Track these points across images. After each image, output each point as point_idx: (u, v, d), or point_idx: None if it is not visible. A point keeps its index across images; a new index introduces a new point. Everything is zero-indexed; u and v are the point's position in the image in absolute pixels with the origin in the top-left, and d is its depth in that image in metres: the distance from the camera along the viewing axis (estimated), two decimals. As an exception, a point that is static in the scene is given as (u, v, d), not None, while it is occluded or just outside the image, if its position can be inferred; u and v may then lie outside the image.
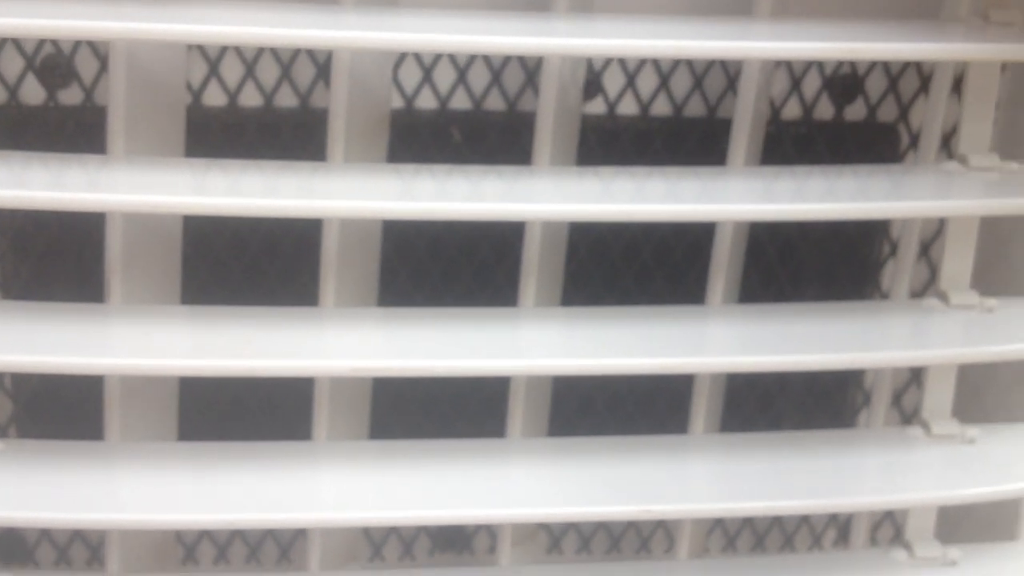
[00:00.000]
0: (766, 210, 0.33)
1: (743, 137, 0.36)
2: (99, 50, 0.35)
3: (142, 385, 0.36)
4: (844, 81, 0.39)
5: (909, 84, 0.39)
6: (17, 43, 0.35)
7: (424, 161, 0.35)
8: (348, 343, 0.33)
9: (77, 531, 0.41)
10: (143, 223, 0.34)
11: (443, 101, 0.38)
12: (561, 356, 0.33)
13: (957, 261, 0.34)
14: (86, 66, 0.36)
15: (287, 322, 0.33)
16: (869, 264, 0.41)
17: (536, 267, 0.35)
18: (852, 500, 0.33)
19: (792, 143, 0.39)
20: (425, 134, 0.38)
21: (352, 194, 0.32)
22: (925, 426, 0.35)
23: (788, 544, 0.45)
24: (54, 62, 0.35)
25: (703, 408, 0.36)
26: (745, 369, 0.33)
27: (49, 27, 0.29)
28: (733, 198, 0.34)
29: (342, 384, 0.36)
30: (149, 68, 0.34)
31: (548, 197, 0.33)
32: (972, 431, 0.35)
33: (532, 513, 0.34)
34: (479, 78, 0.38)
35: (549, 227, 0.36)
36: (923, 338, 0.33)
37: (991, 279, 0.39)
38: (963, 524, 0.39)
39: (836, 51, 0.31)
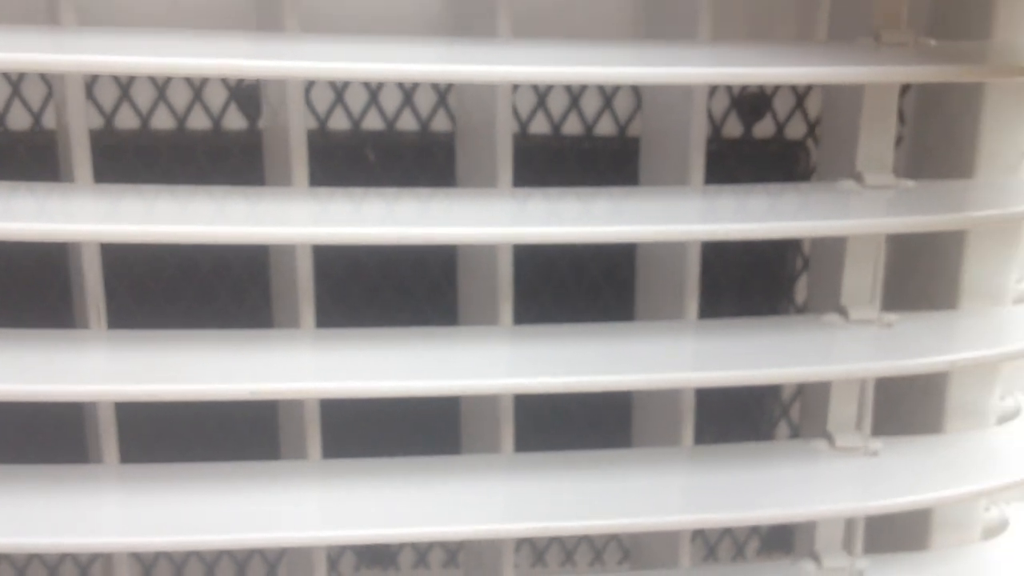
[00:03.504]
0: (671, 231, 0.34)
1: (649, 156, 0.37)
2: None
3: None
4: (752, 100, 0.40)
5: (815, 102, 0.40)
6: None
7: (341, 181, 0.35)
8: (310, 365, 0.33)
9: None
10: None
11: (356, 122, 0.38)
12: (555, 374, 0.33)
13: (856, 277, 0.35)
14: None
15: (232, 344, 0.33)
16: (783, 278, 0.42)
17: (510, 288, 0.35)
18: (757, 513, 0.33)
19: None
20: (340, 155, 0.38)
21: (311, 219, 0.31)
22: (829, 439, 0.36)
23: (711, 555, 0.45)
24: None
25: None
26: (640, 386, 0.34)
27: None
28: (647, 219, 0.34)
29: (296, 405, 0.36)
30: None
31: (522, 219, 0.33)
32: (875, 443, 0.36)
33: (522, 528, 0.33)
34: (391, 99, 0.38)
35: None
36: (819, 353, 0.33)
37: (903, 293, 0.40)
38: (877, 536, 0.40)
39: (724, 76, 0.32)
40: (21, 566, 0.43)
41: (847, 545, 0.37)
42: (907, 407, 0.40)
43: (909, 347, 0.34)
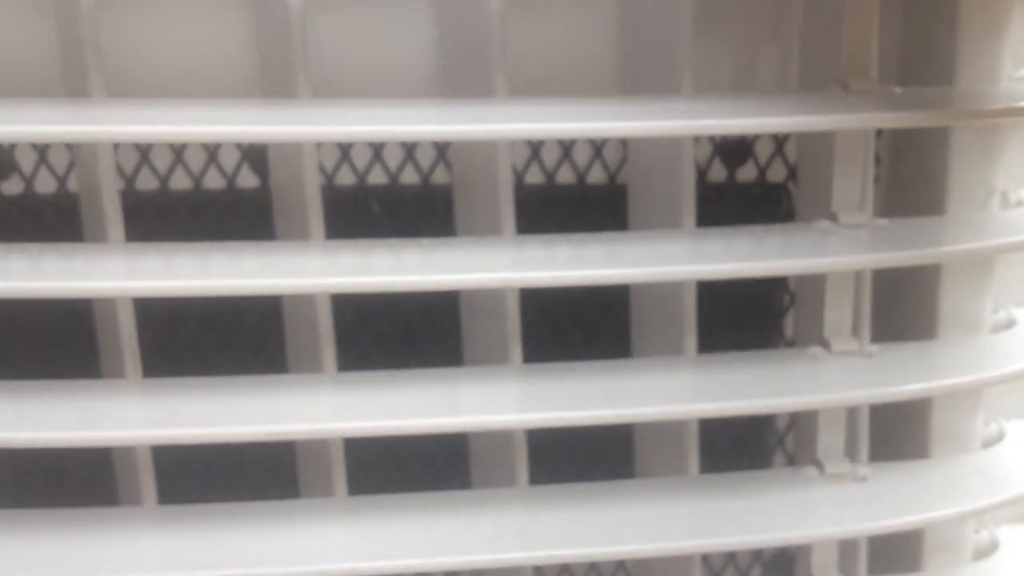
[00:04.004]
0: (668, 272, 0.36)
1: (637, 202, 0.39)
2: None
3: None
4: (734, 146, 0.42)
5: (793, 147, 0.42)
6: None
7: (348, 232, 0.37)
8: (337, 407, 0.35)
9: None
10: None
11: (361, 177, 0.41)
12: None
13: (837, 311, 0.37)
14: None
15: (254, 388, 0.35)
16: (772, 315, 0.44)
17: (518, 329, 0.37)
18: (747, 538, 0.35)
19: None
20: (346, 207, 0.41)
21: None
22: (819, 466, 0.38)
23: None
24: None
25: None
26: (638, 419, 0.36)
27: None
28: (645, 261, 0.36)
29: (320, 445, 0.37)
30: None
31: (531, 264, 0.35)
32: (864, 469, 0.38)
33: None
34: (393, 156, 0.41)
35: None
36: (802, 383, 0.35)
37: (887, 326, 0.42)
38: (872, 563, 0.41)
39: (705, 128, 0.34)
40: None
41: (845, 569, 0.39)
42: (895, 435, 0.42)
43: (889, 376, 0.36)
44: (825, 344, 0.37)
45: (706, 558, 0.46)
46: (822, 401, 0.35)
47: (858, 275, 0.37)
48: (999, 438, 0.41)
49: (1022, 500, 0.40)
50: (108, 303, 0.35)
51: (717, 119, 0.33)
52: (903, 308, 0.41)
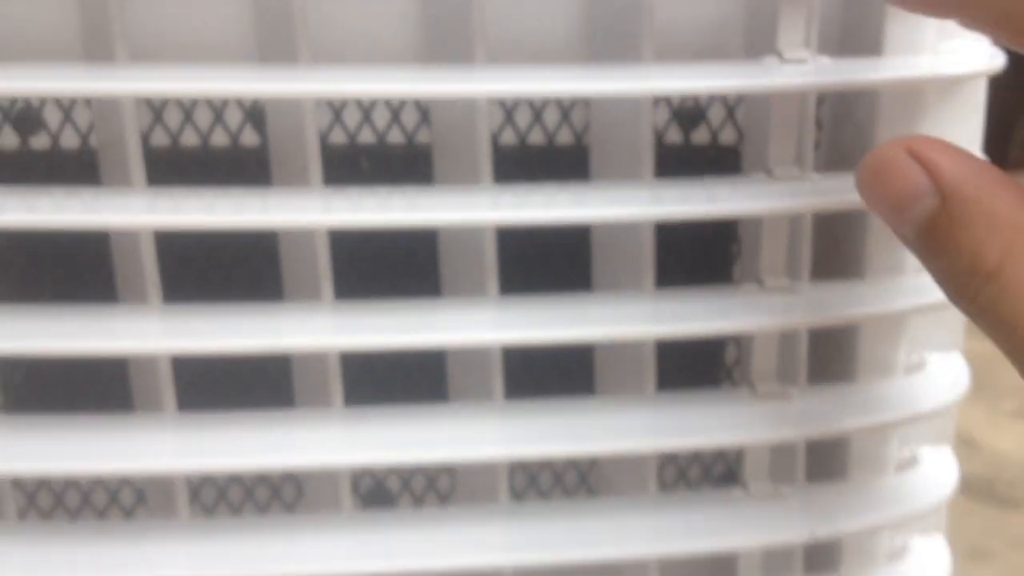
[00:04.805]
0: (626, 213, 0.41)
1: (600, 160, 0.44)
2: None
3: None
4: (689, 111, 0.47)
5: (743, 112, 0.47)
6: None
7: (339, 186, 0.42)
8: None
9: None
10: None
11: (352, 136, 0.45)
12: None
13: (771, 252, 0.42)
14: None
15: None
16: (722, 261, 0.49)
17: (495, 263, 0.42)
18: (692, 440, 0.40)
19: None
20: (338, 164, 0.45)
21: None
22: (751, 386, 0.43)
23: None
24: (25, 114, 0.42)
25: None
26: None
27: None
28: (608, 203, 0.41)
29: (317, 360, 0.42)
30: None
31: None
32: (792, 390, 0.43)
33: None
34: (381, 118, 0.45)
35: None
36: (734, 314, 0.41)
37: (829, 268, 0.47)
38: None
39: (658, 88, 0.39)
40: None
41: (775, 476, 0.44)
42: (825, 363, 0.48)
43: (816, 307, 0.41)
44: (759, 280, 0.42)
45: (661, 471, 0.51)
46: (757, 324, 0.41)
47: (792, 221, 0.42)
48: (920, 367, 0.47)
49: (938, 416, 0.45)
50: (129, 238, 0.40)
51: (660, 81, 0.38)
52: (836, 252, 0.46)
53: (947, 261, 0.28)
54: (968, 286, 0.28)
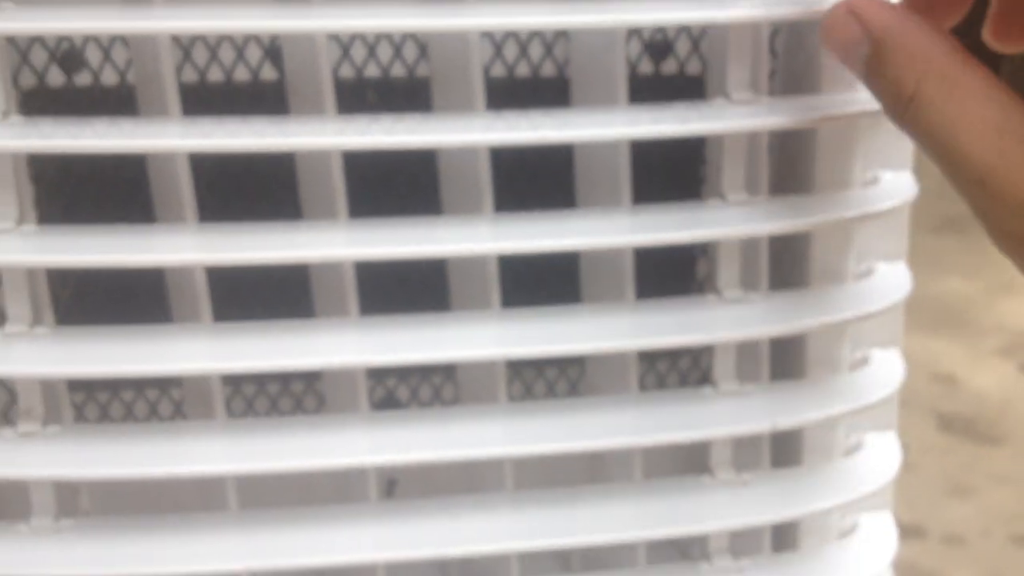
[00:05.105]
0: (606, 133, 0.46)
1: (581, 91, 0.49)
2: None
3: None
4: (659, 44, 0.53)
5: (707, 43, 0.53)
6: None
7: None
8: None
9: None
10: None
11: (359, 70, 0.51)
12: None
13: (731, 169, 0.48)
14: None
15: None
16: (692, 179, 0.55)
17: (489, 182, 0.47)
18: (652, 340, 0.46)
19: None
20: (347, 97, 0.51)
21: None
22: (718, 292, 0.49)
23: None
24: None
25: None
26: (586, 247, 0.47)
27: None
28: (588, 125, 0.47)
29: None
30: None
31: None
32: (756, 295, 0.49)
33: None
34: (385, 53, 0.50)
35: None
36: (701, 225, 0.46)
37: (785, 185, 0.53)
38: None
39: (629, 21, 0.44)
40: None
41: (741, 375, 0.51)
42: (783, 276, 0.53)
43: (771, 217, 0.47)
44: (722, 195, 0.48)
45: (642, 379, 0.57)
46: (721, 233, 0.46)
47: (750, 141, 0.48)
48: (868, 274, 0.53)
49: (886, 317, 0.51)
50: (166, 164, 0.45)
51: (632, 15, 0.43)
52: (791, 171, 0.52)
53: (882, 89, 0.37)
54: (897, 107, 0.37)
